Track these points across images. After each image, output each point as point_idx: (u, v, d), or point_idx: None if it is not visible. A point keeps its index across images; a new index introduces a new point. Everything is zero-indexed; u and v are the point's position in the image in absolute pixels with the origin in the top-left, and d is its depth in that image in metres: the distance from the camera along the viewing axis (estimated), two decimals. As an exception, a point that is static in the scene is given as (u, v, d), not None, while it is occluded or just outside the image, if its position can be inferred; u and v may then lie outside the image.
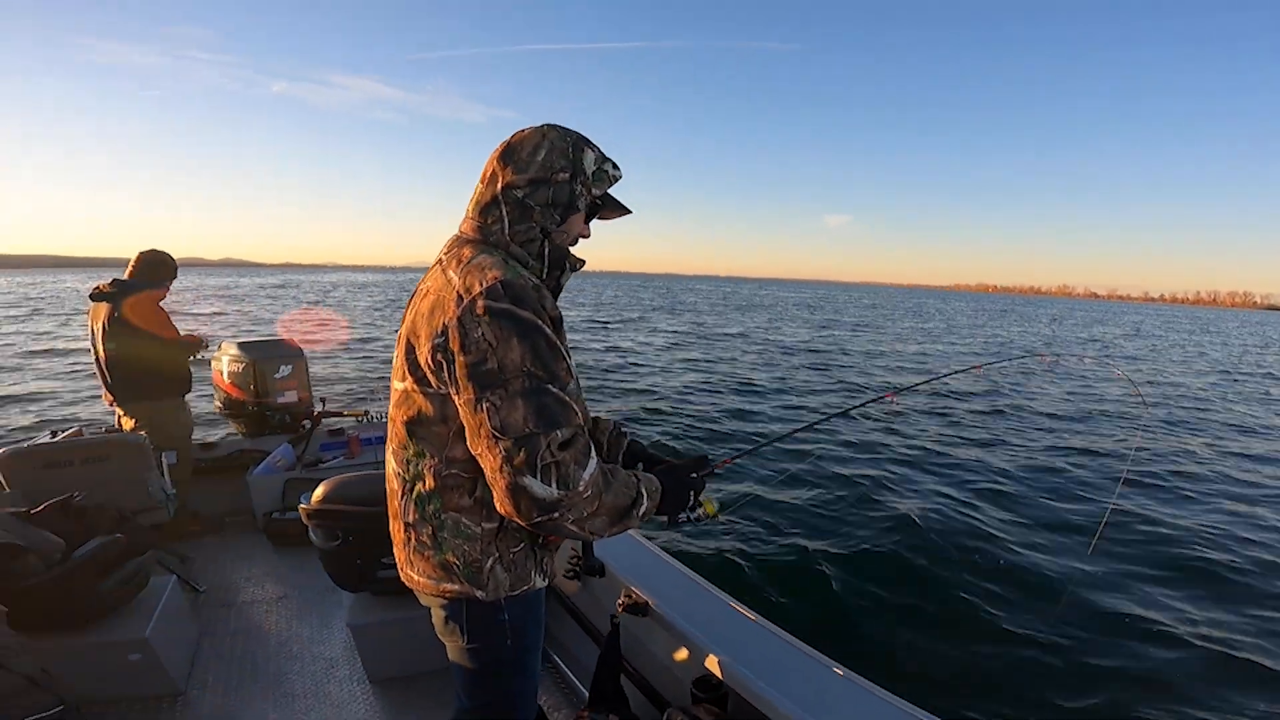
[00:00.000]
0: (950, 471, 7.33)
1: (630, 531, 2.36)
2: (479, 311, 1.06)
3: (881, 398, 2.20)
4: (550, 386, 1.07)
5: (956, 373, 2.58)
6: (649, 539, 2.32)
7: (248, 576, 3.10)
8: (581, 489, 1.06)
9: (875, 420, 9.70)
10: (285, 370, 4.08)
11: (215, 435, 4.07)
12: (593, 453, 1.10)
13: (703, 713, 1.59)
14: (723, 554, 4.89)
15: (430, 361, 1.12)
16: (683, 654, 1.74)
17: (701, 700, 1.64)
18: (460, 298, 1.08)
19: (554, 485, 1.04)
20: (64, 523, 2.34)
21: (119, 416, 3.49)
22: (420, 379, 1.16)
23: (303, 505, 2.22)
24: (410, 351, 1.17)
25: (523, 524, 1.10)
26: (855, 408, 2.17)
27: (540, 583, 1.30)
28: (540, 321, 1.08)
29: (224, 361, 4.06)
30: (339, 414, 4.20)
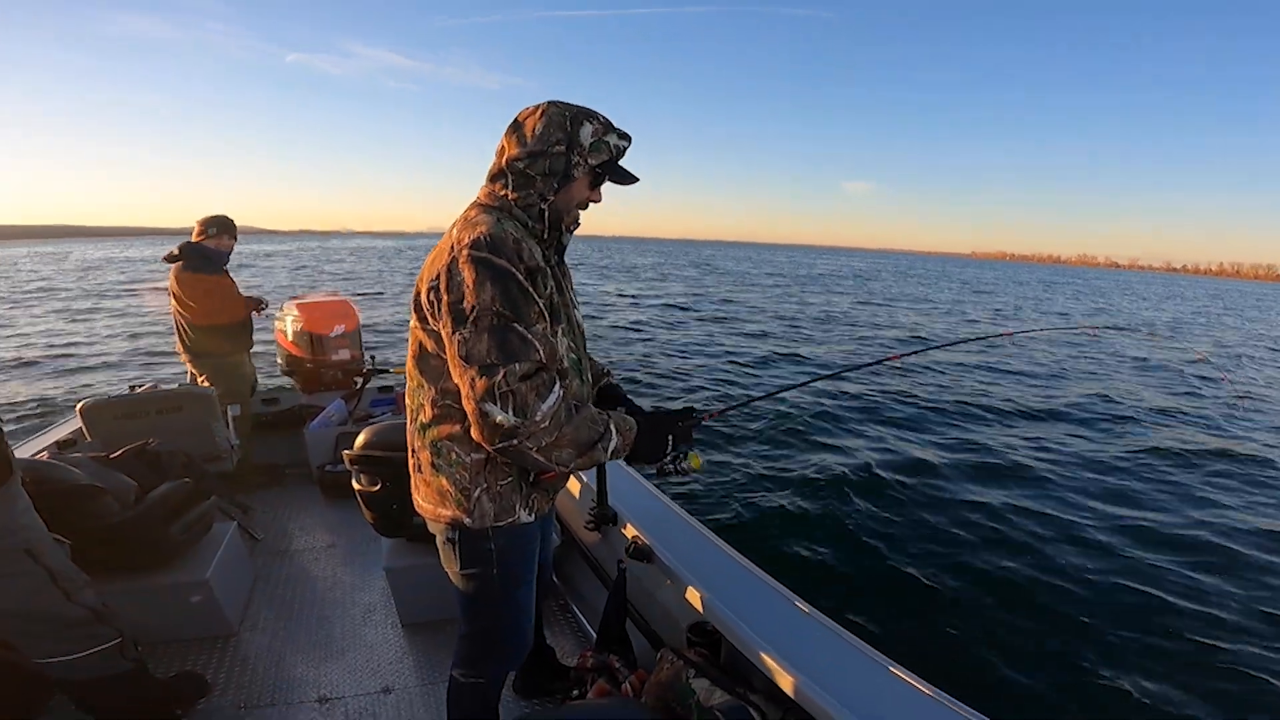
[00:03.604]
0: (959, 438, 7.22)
1: (640, 479, 2.46)
2: (463, 259, 1.21)
3: (884, 360, 2.21)
4: (516, 325, 1.19)
5: (970, 340, 2.51)
6: (659, 487, 2.41)
7: (301, 526, 3.30)
8: (539, 419, 1.19)
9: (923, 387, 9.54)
10: (339, 329, 4.31)
11: (277, 391, 4.35)
12: (556, 388, 1.22)
13: (694, 655, 1.69)
14: (727, 504, 5.11)
15: (426, 301, 1.28)
16: (681, 599, 1.82)
17: (695, 644, 1.74)
18: (452, 248, 1.25)
19: (511, 412, 1.17)
20: (139, 467, 2.53)
21: (191, 372, 3.78)
22: (422, 317, 1.32)
23: (346, 452, 2.36)
24: (417, 294, 1.32)
25: (490, 449, 1.24)
26: (861, 367, 2.09)
27: (525, 518, 1.42)
28: (514, 269, 1.21)
29: (286, 321, 4.32)
30: (387, 370, 4.41)
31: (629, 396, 1.68)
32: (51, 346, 11.91)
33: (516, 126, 1.33)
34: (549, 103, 1.33)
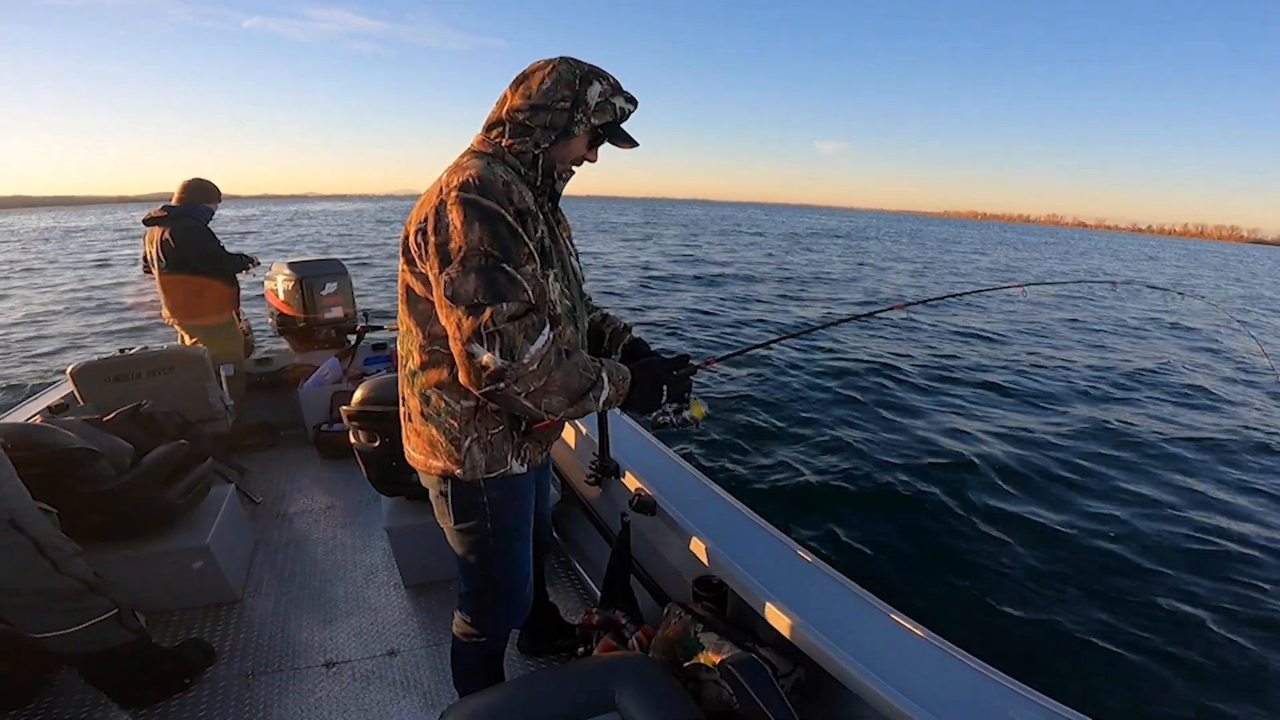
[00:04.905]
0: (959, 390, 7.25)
1: (642, 431, 2.44)
2: (451, 200, 1.19)
3: (890, 308, 2.16)
4: (504, 265, 1.17)
5: (985, 290, 2.45)
6: (660, 439, 2.39)
7: (299, 487, 3.27)
8: (527, 361, 1.16)
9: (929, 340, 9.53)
10: (330, 287, 4.24)
11: (270, 351, 4.30)
12: (545, 331, 1.20)
13: (701, 609, 1.69)
14: (729, 455, 5.11)
15: (415, 243, 1.25)
16: (686, 553, 1.81)
17: (701, 597, 1.74)
18: (441, 190, 1.22)
19: (498, 354, 1.15)
20: (133, 429, 2.48)
21: (180, 335, 3.73)
22: (410, 260, 1.29)
23: (344, 407, 2.30)
24: (406, 238, 1.29)
25: (476, 394, 1.22)
26: (862, 316, 2.02)
27: (518, 468, 1.40)
28: (503, 210, 1.19)
29: (277, 281, 4.26)
30: (380, 327, 4.36)
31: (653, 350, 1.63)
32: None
33: (524, 78, 1.31)
34: (561, 59, 1.30)
